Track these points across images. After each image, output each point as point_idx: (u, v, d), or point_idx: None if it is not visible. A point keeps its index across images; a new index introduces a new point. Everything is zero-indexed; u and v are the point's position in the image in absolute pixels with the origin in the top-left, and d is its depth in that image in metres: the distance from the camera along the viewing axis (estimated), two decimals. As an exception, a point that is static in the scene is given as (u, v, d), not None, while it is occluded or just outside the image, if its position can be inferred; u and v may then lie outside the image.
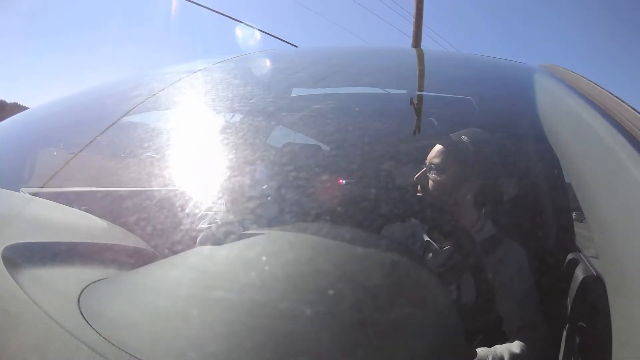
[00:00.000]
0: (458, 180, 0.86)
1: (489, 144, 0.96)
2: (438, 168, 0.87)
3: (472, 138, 0.92)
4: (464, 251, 0.59)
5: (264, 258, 0.35)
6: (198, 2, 5.37)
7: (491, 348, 0.65)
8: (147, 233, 0.55)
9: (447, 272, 0.78)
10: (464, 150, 0.89)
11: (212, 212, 1.06)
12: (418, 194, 0.86)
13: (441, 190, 0.85)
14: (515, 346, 0.75)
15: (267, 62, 1.20)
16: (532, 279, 0.86)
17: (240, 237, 0.57)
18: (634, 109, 0.55)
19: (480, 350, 0.62)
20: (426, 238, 0.89)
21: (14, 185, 0.75)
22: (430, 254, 0.85)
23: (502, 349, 0.71)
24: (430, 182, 0.86)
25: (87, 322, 0.29)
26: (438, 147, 0.90)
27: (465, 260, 0.63)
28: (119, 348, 0.26)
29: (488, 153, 0.97)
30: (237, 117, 1.23)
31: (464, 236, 0.62)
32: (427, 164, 0.90)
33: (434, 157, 0.90)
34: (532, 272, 0.87)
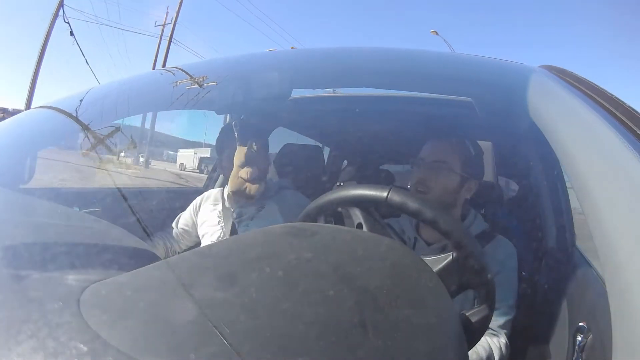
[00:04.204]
0: (461, 178, 0.87)
1: (486, 146, 0.97)
2: (441, 166, 0.87)
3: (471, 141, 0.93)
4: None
5: (263, 258, 0.35)
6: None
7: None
8: (147, 233, 0.55)
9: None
10: (466, 150, 0.90)
11: (214, 215, 1.06)
12: (419, 191, 0.87)
13: (443, 188, 0.86)
14: (481, 348, 0.75)
15: (265, 63, 1.20)
16: (517, 277, 0.86)
17: (239, 238, 0.57)
18: (633, 110, 0.56)
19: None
20: (414, 234, 0.90)
21: (14, 185, 0.75)
22: (419, 250, 0.86)
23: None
24: (433, 180, 0.87)
25: (87, 323, 0.29)
26: (440, 145, 0.91)
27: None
28: (119, 350, 0.26)
29: (487, 154, 0.97)
30: (236, 118, 1.23)
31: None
32: (428, 161, 0.90)
33: (437, 154, 0.90)
34: (519, 270, 0.87)
